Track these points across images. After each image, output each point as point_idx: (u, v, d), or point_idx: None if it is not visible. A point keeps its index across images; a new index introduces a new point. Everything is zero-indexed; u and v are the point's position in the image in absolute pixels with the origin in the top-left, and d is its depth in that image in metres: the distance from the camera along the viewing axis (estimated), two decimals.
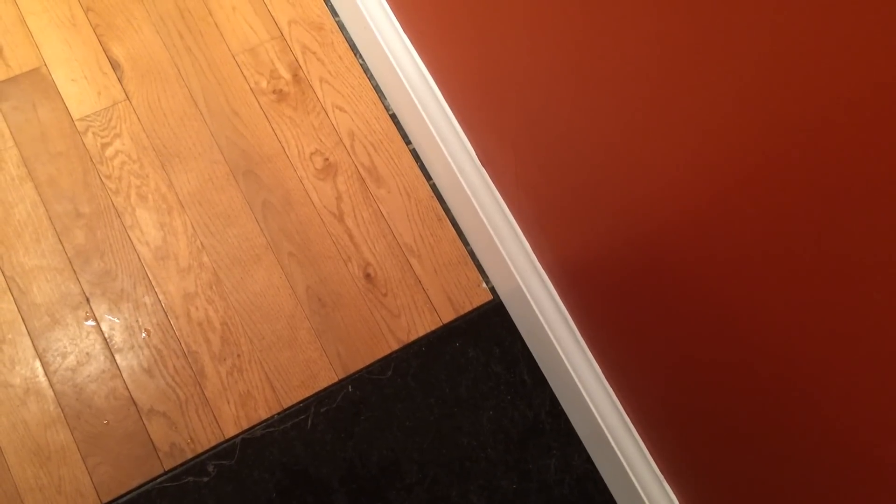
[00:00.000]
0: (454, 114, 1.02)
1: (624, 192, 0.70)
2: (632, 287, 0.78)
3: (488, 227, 1.00)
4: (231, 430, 0.97)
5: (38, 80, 1.07)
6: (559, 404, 1.04)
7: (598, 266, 0.84)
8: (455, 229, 1.10)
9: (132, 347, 0.98)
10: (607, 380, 0.95)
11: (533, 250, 0.98)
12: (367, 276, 1.06)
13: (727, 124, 0.51)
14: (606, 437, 0.94)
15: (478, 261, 1.09)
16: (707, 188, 0.57)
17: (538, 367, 1.06)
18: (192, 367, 0.98)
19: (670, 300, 0.71)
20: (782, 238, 0.51)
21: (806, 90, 0.43)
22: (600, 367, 0.95)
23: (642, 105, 0.60)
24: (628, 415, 0.93)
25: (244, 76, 1.12)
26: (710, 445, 0.77)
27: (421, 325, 1.05)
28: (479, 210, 1.01)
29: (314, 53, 1.15)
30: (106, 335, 0.98)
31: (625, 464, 0.93)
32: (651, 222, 0.68)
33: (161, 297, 1.00)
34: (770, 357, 0.60)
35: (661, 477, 0.90)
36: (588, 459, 1.03)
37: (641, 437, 0.92)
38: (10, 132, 1.04)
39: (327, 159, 1.10)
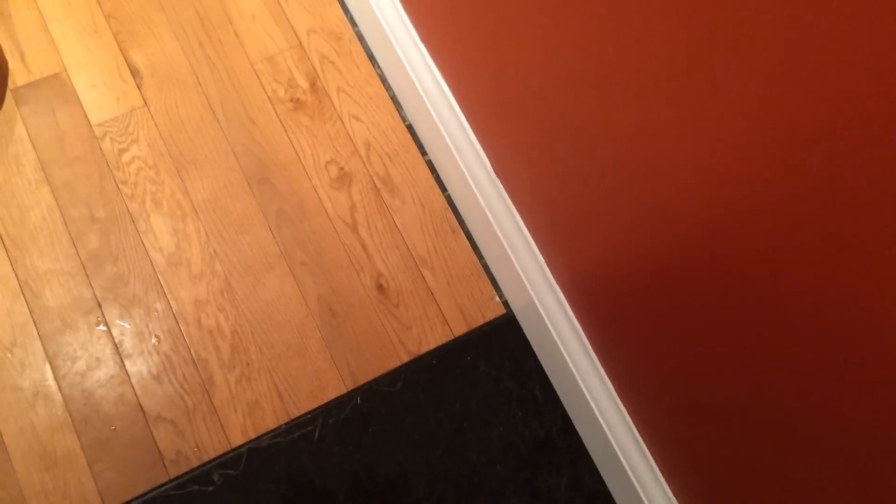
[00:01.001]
0: (470, 125, 1.01)
1: (642, 207, 0.69)
2: (648, 305, 0.77)
3: (502, 240, 0.99)
4: (238, 440, 0.96)
5: (58, 86, 1.08)
6: (571, 422, 1.02)
7: (614, 282, 0.82)
8: (469, 242, 1.09)
9: (142, 353, 0.98)
10: (620, 399, 0.93)
11: (547, 265, 0.97)
12: (380, 287, 1.05)
13: (748, 137, 0.50)
14: (618, 457, 0.92)
15: (491, 274, 1.08)
16: (729, 203, 0.56)
17: (550, 383, 1.04)
18: (200, 375, 0.98)
19: (687, 319, 0.70)
20: (806, 249, 0.49)
21: (815, 99, 0.41)
22: (613, 386, 0.93)
23: (661, 118, 0.59)
24: (641, 435, 0.91)
25: (262, 84, 1.12)
26: (726, 468, 0.75)
27: (432, 337, 1.04)
28: (493, 222, 0.99)
29: (332, 63, 1.15)
30: (116, 340, 0.98)
31: (637, 485, 0.90)
32: (670, 239, 0.67)
33: (172, 303, 1.00)
34: (793, 379, 0.58)
35: (674, 499, 0.88)
36: (599, 479, 1.00)
37: (654, 458, 0.89)
38: (29, 136, 1.05)
39: (342, 169, 1.10)
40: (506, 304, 1.07)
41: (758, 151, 0.49)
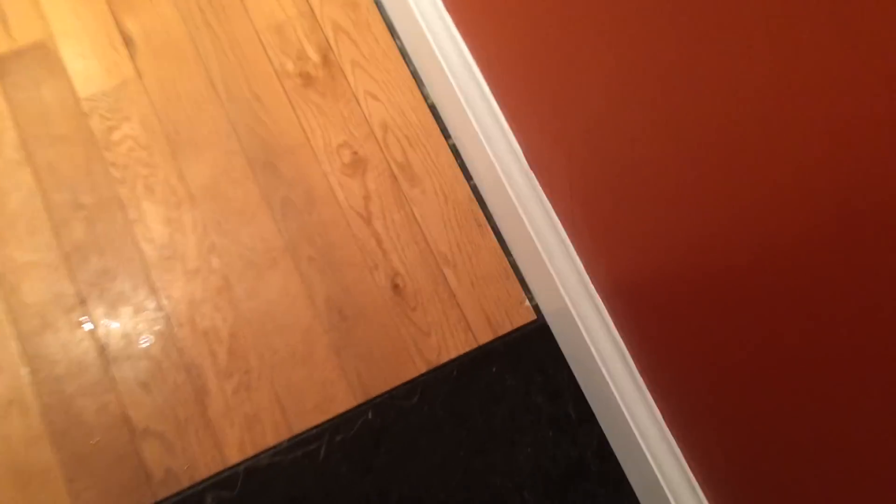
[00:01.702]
0: (501, 108, 0.91)
1: (697, 210, 0.59)
2: (701, 319, 0.67)
3: (534, 237, 0.89)
4: (234, 457, 0.87)
5: (43, 55, 0.97)
6: (608, 445, 0.92)
7: (661, 291, 0.72)
8: (497, 238, 0.98)
9: (129, 358, 0.88)
10: (667, 424, 0.82)
11: (585, 267, 0.87)
12: (395, 287, 0.95)
13: (824, 137, 0.38)
14: (663, 490, 0.82)
15: (521, 275, 0.98)
16: (799, 206, 0.45)
17: (585, 400, 0.94)
18: (194, 383, 0.88)
19: (748, 338, 0.60)
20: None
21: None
22: (659, 409, 0.83)
23: (723, 110, 0.48)
24: (691, 468, 0.80)
25: (268, 57, 1.01)
26: None
27: (453, 345, 0.94)
28: (524, 218, 0.89)
29: (347, 33, 1.03)
30: (101, 342, 0.88)
31: None
32: (728, 246, 0.57)
33: (164, 301, 0.90)
34: (878, 411, 0.47)
35: None
36: None
37: (707, 498, 0.79)
38: (10, 111, 0.95)
39: (356, 153, 0.99)
40: (536, 308, 0.97)
41: (836, 154, 0.38)
